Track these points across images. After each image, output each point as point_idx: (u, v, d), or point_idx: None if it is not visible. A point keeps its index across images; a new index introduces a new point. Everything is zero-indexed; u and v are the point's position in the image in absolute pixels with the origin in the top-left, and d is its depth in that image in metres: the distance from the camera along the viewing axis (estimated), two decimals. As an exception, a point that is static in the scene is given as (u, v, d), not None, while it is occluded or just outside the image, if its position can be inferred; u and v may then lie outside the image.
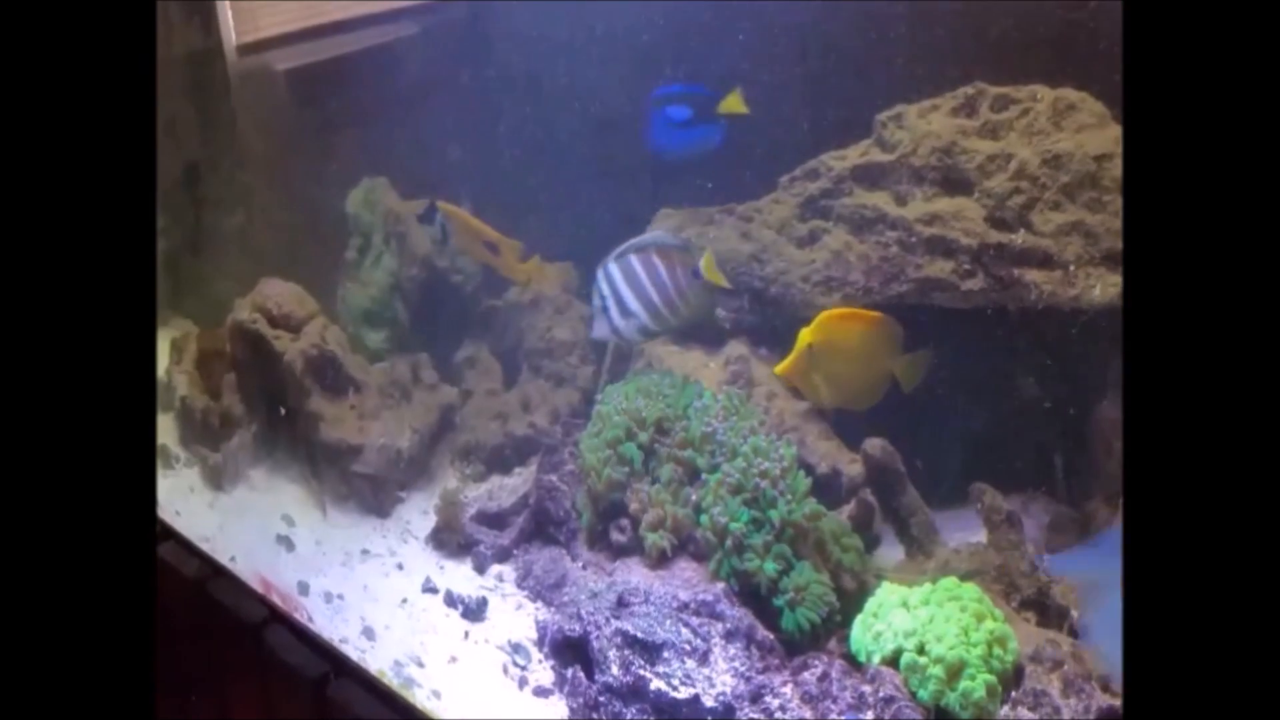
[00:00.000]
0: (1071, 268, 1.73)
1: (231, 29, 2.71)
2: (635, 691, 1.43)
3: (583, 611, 1.54)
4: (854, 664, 1.49)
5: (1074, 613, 1.55)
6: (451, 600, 1.84)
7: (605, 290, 1.84)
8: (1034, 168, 1.77)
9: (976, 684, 1.35)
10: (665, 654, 1.45)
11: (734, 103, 2.06)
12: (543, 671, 1.62)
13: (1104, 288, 1.70)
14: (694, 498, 1.69)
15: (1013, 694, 1.38)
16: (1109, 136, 1.75)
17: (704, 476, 1.69)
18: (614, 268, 1.84)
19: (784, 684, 1.42)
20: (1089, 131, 1.77)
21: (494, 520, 2.05)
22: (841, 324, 1.84)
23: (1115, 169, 1.71)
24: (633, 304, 1.83)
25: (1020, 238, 1.77)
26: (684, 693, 1.41)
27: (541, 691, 1.57)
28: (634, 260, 1.84)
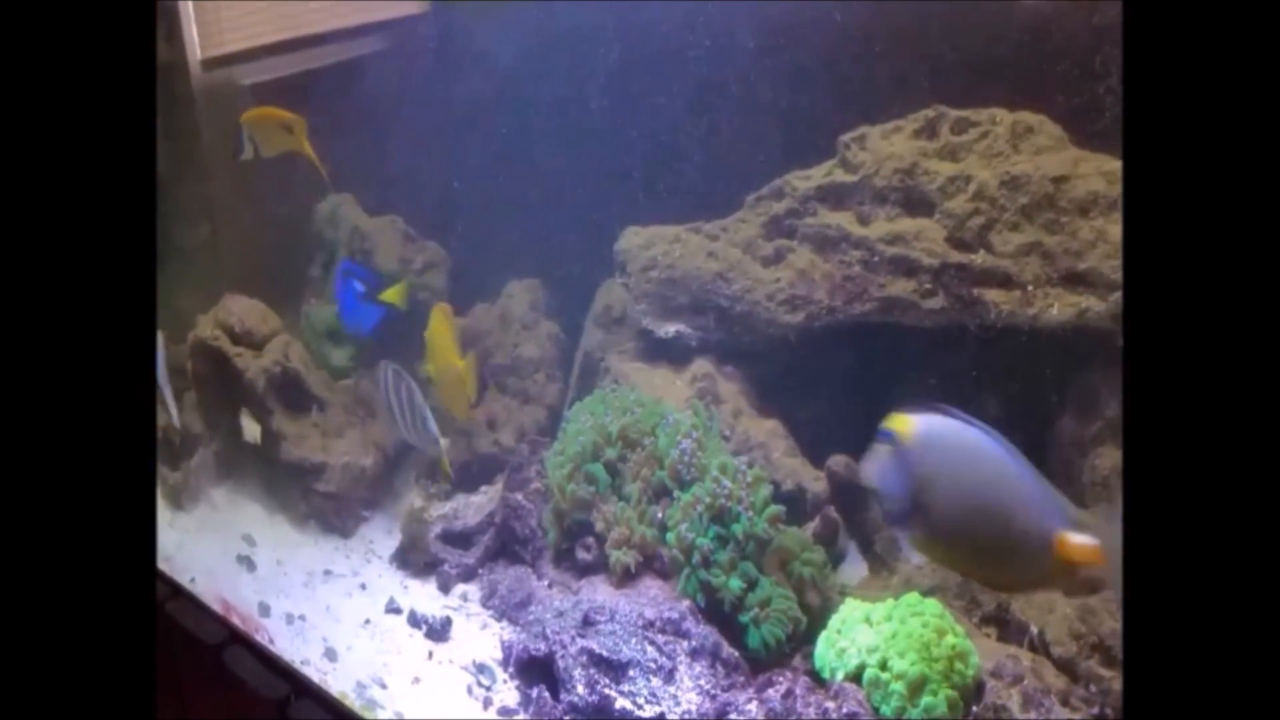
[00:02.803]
0: (1030, 288, 1.75)
1: (196, 44, 2.69)
2: (601, 710, 1.43)
3: (548, 630, 1.54)
4: (818, 680, 1.50)
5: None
6: (415, 620, 1.83)
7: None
8: (993, 189, 1.80)
9: (938, 699, 1.36)
10: (631, 672, 1.46)
11: (394, 294, 2.31)
12: (508, 691, 1.61)
13: (1061, 307, 1.72)
14: (660, 516, 1.69)
15: (974, 708, 1.39)
16: (1067, 158, 1.78)
17: (675, 494, 1.70)
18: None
19: (749, 701, 1.43)
20: (1047, 154, 1.80)
21: (459, 539, 2.04)
22: (430, 348, 2.10)
23: (1073, 190, 1.74)
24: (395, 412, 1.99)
25: (980, 258, 1.80)
26: (649, 711, 1.41)
27: (506, 711, 1.57)
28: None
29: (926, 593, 1.54)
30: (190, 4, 2.63)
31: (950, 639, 1.41)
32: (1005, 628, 1.61)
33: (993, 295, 1.79)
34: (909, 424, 1.13)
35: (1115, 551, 0.91)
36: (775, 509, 1.65)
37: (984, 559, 1.14)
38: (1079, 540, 1.02)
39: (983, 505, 1.09)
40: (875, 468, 1.16)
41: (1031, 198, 1.76)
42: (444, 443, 2.00)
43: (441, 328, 2.11)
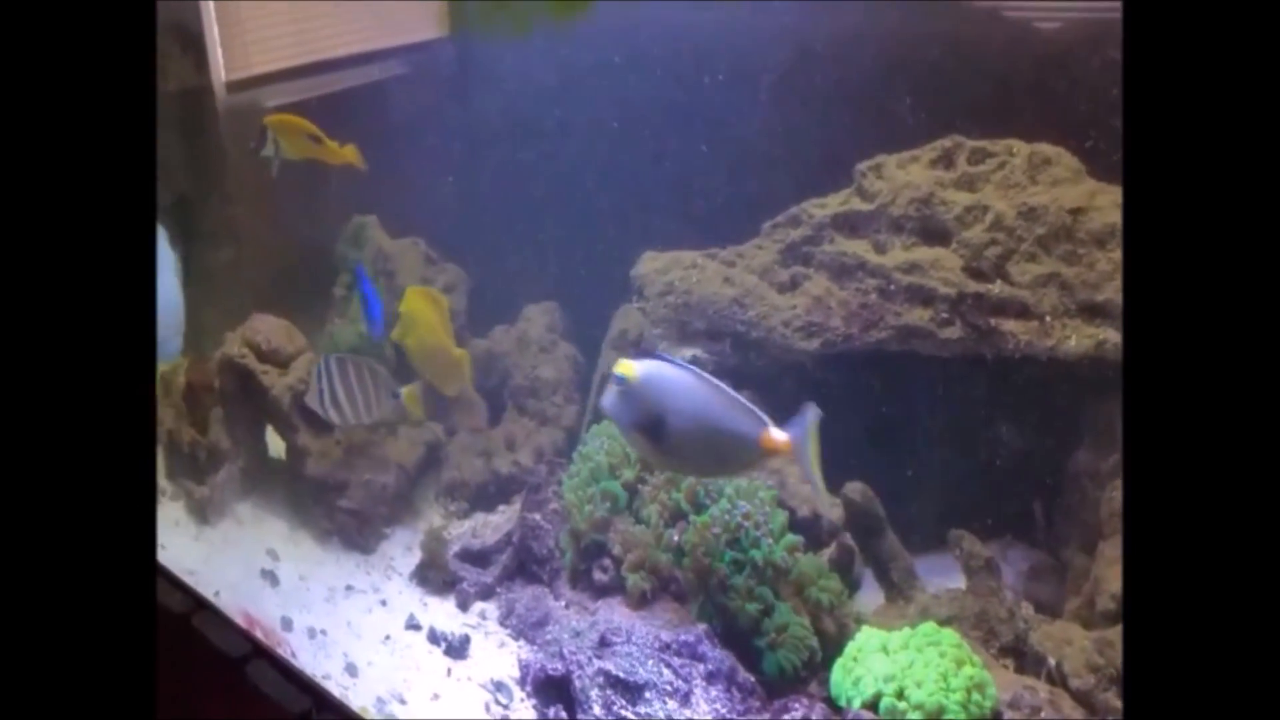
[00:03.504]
0: (1047, 318, 1.76)
1: (221, 66, 2.74)
2: (618, 732, 1.44)
3: (565, 650, 1.56)
4: (834, 707, 1.51)
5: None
6: (434, 637, 1.85)
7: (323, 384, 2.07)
8: (1010, 220, 1.81)
9: (954, 728, 1.37)
10: (647, 694, 1.47)
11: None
12: (525, 710, 1.63)
13: (1079, 339, 1.73)
14: (676, 539, 1.71)
15: (990, 738, 1.40)
16: (1084, 190, 1.79)
17: (691, 518, 1.72)
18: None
19: (765, 726, 1.44)
20: (1064, 185, 1.82)
21: (478, 558, 2.07)
22: (408, 321, 2.20)
23: (1090, 222, 1.76)
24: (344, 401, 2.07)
25: (997, 288, 1.81)
26: (666, 734, 1.43)
27: (523, 730, 1.58)
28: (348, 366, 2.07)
29: (943, 622, 1.55)
30: (215, 27, 2.68)
31: (968, 669, 1.42)
32: (1023, 659, 1.61)
33: (1010, 325, 1.80)
34: (633, 368, 1.46)
35: (801, 446, 1.39)
36: (792, 539, 1.67)
37: (710, 459, 1.49)
38: (777, 436, 1.40)
39: (703, 421, 1.43)
40: (608, 403, 1.49)
41: (1049, 229, 1.78)
42: (405, 389, 2.08)
43: (421, 305, 2.19)
